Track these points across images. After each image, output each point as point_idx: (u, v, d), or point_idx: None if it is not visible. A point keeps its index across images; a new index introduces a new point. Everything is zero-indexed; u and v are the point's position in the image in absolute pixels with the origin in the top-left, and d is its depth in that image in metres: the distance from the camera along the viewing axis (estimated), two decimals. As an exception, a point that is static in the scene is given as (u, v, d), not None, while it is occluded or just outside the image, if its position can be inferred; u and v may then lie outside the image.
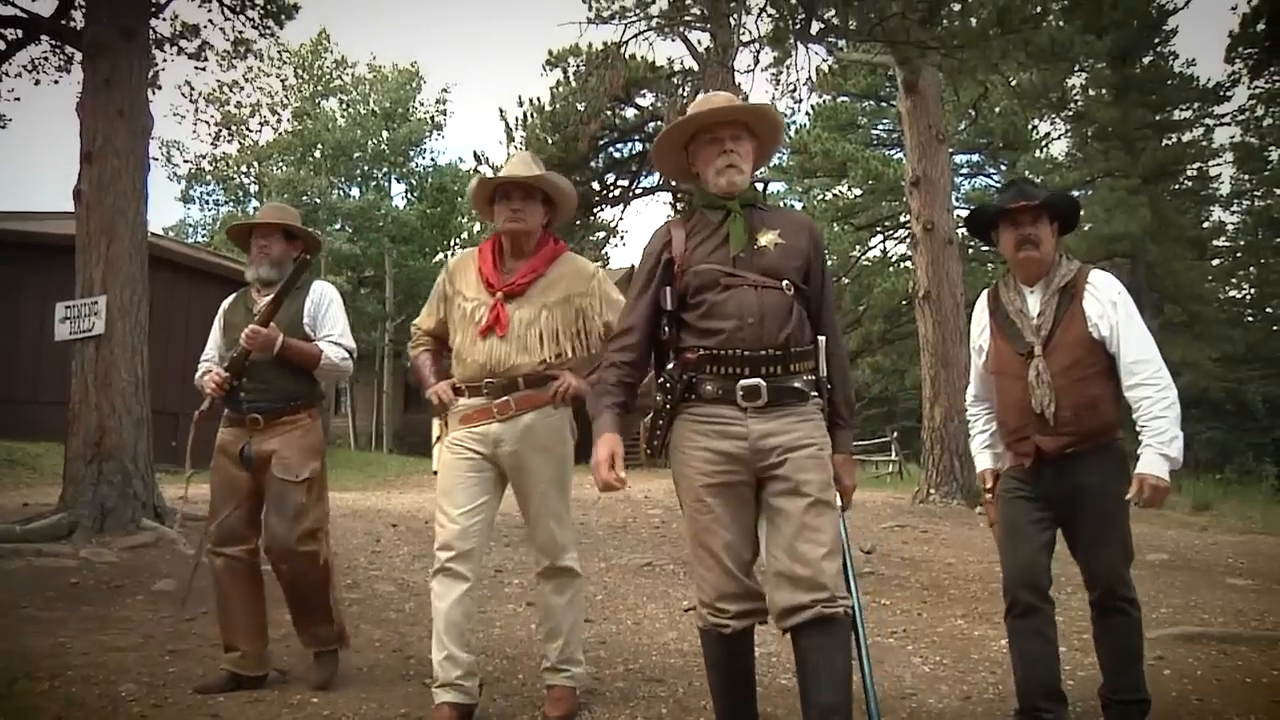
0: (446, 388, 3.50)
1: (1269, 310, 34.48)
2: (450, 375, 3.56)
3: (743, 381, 2.67)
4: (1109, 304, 3.11)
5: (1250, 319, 33.83)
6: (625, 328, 2.89)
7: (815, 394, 2.77)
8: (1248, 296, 35.34)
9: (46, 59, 10.95)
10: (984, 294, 3.47)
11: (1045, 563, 3.16)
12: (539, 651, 3.74)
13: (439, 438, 3.57)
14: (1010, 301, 3.28)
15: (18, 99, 15.46)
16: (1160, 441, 2.98)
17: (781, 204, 32.29)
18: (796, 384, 2.71)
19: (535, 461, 3.42)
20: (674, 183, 24.98)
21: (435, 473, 3.55)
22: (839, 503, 2.76)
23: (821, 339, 2.80)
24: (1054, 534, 3.20)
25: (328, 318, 3.92)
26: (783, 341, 2.69)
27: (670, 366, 2.77)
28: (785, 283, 2.74)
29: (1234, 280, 35.08)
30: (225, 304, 4.12)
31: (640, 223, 56.09)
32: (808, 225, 2.92)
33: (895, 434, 26.03)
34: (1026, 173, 25.84)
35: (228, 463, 3.85)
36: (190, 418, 3.88)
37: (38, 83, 11.26)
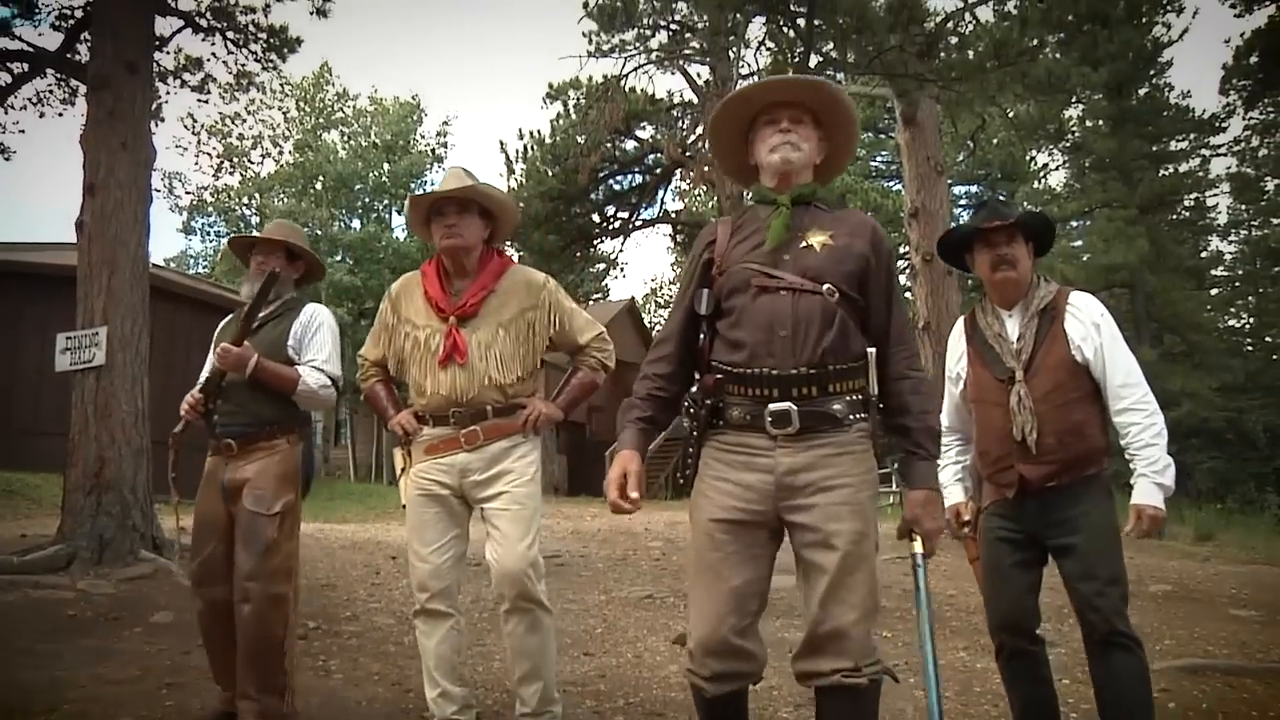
0: (409, 417, 3.35)
1: (1268, 339, 34.52)
2: (408, 404, 3.43)
3: (771, 406, 2.34)
4: (1091, 325, 2.99)
5: (1250, 348, 33.87)
6: (661, 338, 2.62)
7: (862, 417, 2.40)
8: (1246, 326, 35.40)
9: (51, 91, 11.07)
10: (959, 321, 3.34)
11: (1031, 605, 3.04)
12: (513, 694, 3.43)
13: (404, 469, 3.40)
14: (988, 326, 3.14)
15: (22, 131, 15.56)
16: (1154, 470, 2.88)
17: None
18: (836, 406, 2.35)
19: (502, 490, 3.25)
20: (674, 215, 25.11)
21: (404, 506, 3.38)
22: (917, 549, 2.49)
23: (872, 351, 2.42)
24: (1040, 573, 3.07)
25: (314, 342, 3.66)
26: (819, 358, 2.34)
27: (695, 389, 2.50)
28: (828, 287, 2.37)
29: (1232, 309, 35.15)
30: (222, 323, 3.91)
31: (640, 255, 56.32)
32: (869, 226, 2.52)
33: (895, 465, 25.95)
34: (1025, 204, 25.98)
35: (211, 494, 3.62)
36: (192, 448, 3.73)
37: (42, 115, 11.38)
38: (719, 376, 2.41)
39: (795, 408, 2.33)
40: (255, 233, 4.13)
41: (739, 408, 2.39)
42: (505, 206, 3.46)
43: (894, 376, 2.44)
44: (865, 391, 2.41)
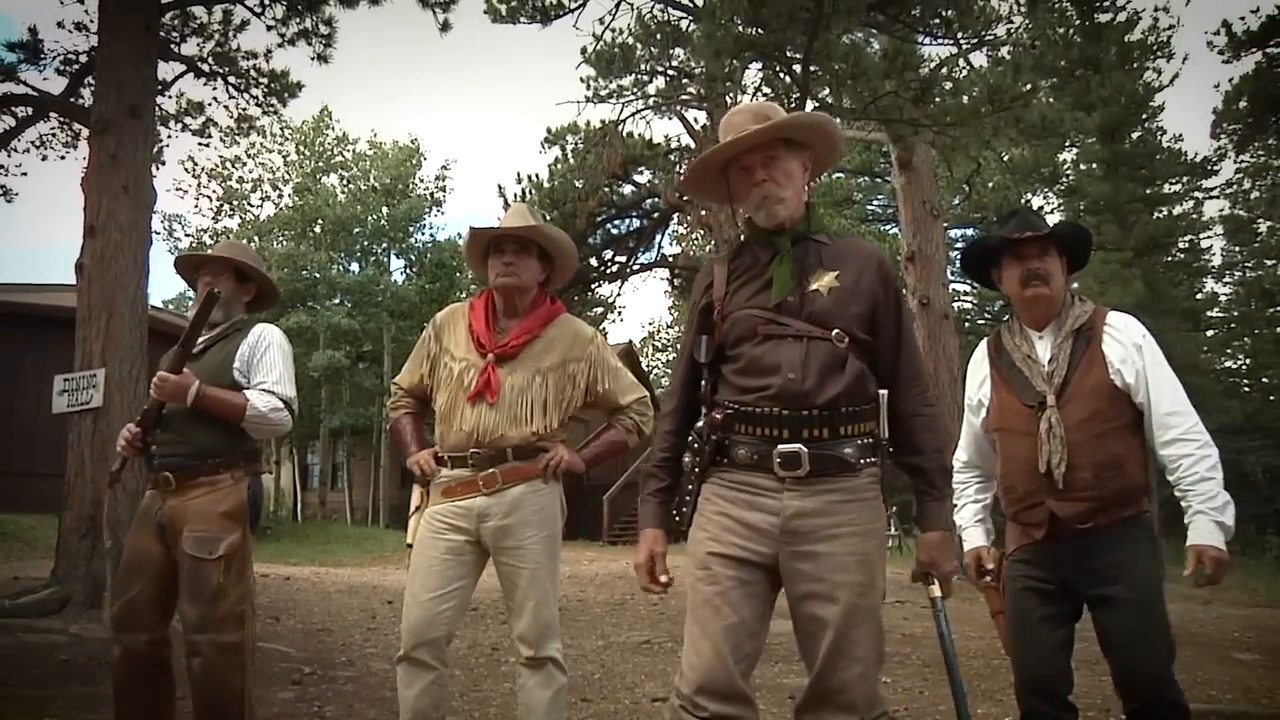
0: (429, 458, 3.20)
1: (1265, 380, 34.51)
2: (432, 442, 3.29)
3: (780, 446, 2.24)
4: (1133, 347, 2.70)
5: (1247, 389, 33.87)
6: (669, 392, 2.52)
7: (873, 460, 2.31)
8: (1243, 367, 35.42)
9: (54, 135, 11.22)
10: (982, 344, 3.03)
11: (1063, 666, 2.70)
12: None
13: (418, 508, 3.24)
14: (1015, 348, 2.83)
15: (25, 173, 15.69)
16: (1213, 507, 2.54)
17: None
18: (847, 450, 2.26)
19: (522, 539, 3.11)
20: (671, 259, 25.22)
21: (410, 545, 3.20)
22: (936, 592, 2.38)
23: (883, 393, 2.32)
24: (1072, 629, 2.74)
25: (263, 362, 3.38)
26: (829, 400, 2.24)
27: (700, 424, 2.37)
28: (836, 333, 2.28)
29: (1229, 350, 35.19)
30: (169, 352, 3.43)
31: (637, 299, 56.49)
32: (875, 260, 2.40)
33: (894, 509, 25.85)
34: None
35: (145, 532, 3.30)
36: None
37: (45, 158, 11.50)
38: (728, 413, 2.30)
39: (806, 450, 2.23)
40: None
41: (746, 447, 2.28)
42: (565, 250, 3.34)
43: (906, 414, 2.35)
44: (876, 434, 2.32)
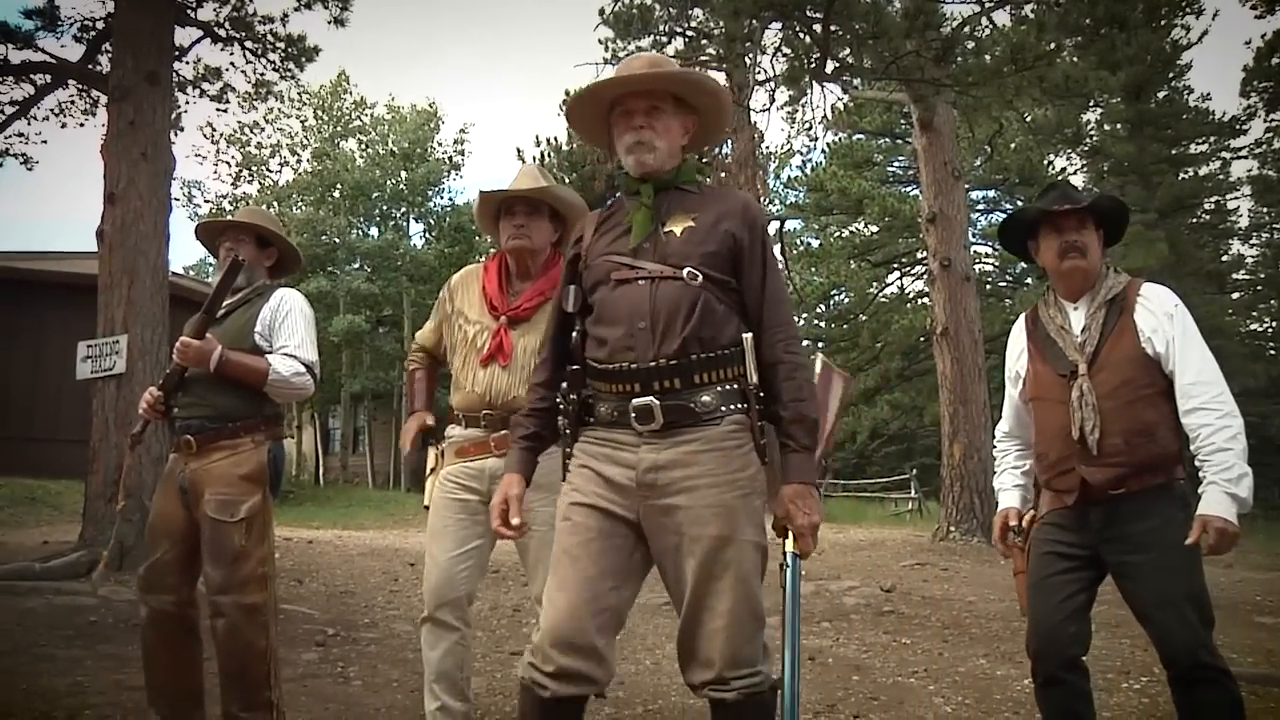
0: (414, 433, 3.28)
1: (1290, 344, 34.17)
2: (441, 400, 3.33)
3: (635, 401, 2.20)
4: (1164, 317, 2.74)
5: (1272, 352, 33.51)
6: (542, 342, 2.51)
7: (737, 408, 2.23)
8: (1269, 330, 35.04)
9: (73, 102, 11.22)
10: (1020, 317, 3.08)
11: (1075, 630, 2.72)
12: None
13: (433, 469, 3.29)
14: (1050, 320, 2.89)
15: (44, 141, 15.71)
16: (1226, 478, 2.54)
17: (797, 240, 32.41)
18: (705, 398, 2.20)
19: (532, 502, 3.03)
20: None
21: (427, 507, 3.26)
22: (790, 548, 2.26)
23: (748, 336, 2.24)
24: (1091, 595, 2.77)
25: (285, 327, 3.38)
26: (681, 348, 2.19)
27: (565, 386, 2.35)
28: (688, 271, 2.23)
29: (1254, 314, 34.78)
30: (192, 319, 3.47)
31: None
32: (741, 204, 2.38)
33: (914, 471, 25.84)
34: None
35: (169, 494, 3.34)
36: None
37: (64, 126, 11.52)
38: (592, 368, 2.29)
39: (657, 402, 2.19)
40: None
41: (606, 404, 2.26)
42: (577, 211, 3.29)
43: (767, 361, 2.26)
44: (743, 380, 2.23)
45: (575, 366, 2.33)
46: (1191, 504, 2.64)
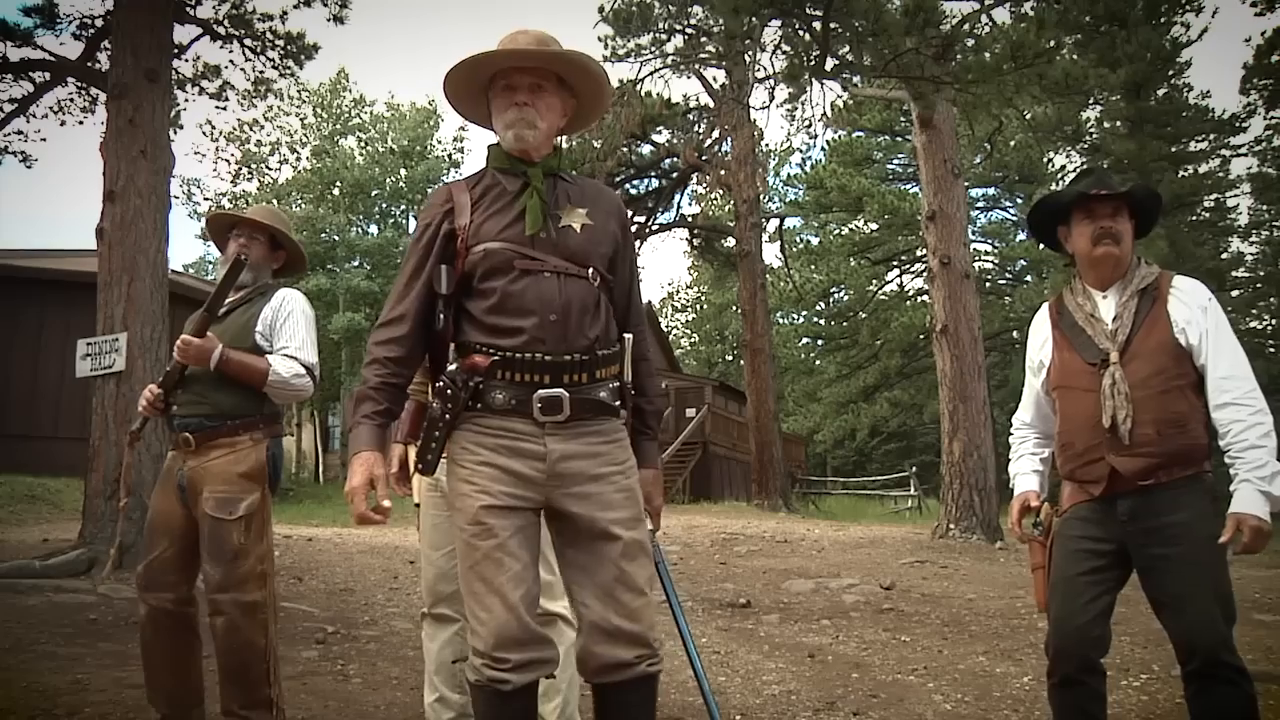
0: (399, 469, 3.14)
1: (1290, 341, 34.16)
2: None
3: (541, 392, 2.22)
4: (1198, 309, 2.68)
5: (1272, 350, 33.52)
6: (393, 316, 2.35)
7: (620, 403, 2.35)
8: (1268, 328, 35.05)
9: (72, 100, 11.23)
10: (1043, 306, 3.00)
11: (1100, 632, 2.67)
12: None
13: (418, 466, 3.26)
14: (1078, 307, 2.82)
15: (44, 139, 15.74)
16: (1260, 476, 2.51)
17: (797, 238, 32.42)
18: (603, 393, 2.29)
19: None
20: (690, 219, 25.12)
21: (417, 505, 3.25)
22: (649, 526, 2.40)
23: (628, 337, 2.38)
24: (1115, 598, 2.70)
25: (285, 328, 3.37)
26: (589, 344, 2.27)
27: (454, 368, 2.28)
28: (591, 271, 2.31)
29: (1254, 311, 34.79)
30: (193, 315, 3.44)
31: (656, 259, 56.33)
32: (617, 205, 2.49)
33: (914, 468, 25.87)
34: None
35: (167, 492, 3.34)
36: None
37: (63, 123, 11.52)
38: (494, 357, 2.24)
39: (567, 394, 2.24)
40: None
41: (504, 392, 2.24)
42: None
43: (636, 358, 2.41)
44: (621, 377, 2.36)
45: (460, 353, 2.30)
46: (1219, 499, 2.61)
